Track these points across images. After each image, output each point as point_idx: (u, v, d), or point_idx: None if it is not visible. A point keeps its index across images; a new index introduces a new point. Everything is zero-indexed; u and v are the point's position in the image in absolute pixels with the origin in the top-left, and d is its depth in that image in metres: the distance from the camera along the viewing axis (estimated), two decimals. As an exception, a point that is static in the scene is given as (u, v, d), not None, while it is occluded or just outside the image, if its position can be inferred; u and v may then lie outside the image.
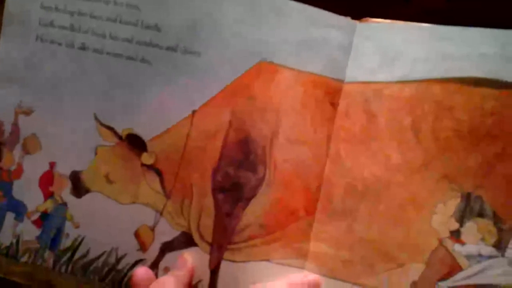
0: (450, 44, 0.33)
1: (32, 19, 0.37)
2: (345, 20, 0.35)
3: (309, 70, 0.35)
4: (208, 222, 0.35)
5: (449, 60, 0.33)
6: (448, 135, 0.33)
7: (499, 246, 0.32)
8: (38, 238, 0.38)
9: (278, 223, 0.35)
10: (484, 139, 0.32)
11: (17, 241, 0.39)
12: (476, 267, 0.32)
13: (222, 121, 0.35)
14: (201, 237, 0.35)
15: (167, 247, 0.36)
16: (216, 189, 0.35)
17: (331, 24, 0.35)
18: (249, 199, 0.35)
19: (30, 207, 0.38)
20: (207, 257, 0.35)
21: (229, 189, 0.35)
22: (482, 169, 0.32)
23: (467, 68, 0.32)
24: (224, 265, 0.35)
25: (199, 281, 0.35)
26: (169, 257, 0.36)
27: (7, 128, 0.38)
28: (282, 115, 0.35)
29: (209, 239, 0.35)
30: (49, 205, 0.38)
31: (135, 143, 0.36)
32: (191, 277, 0.35)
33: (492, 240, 0.32)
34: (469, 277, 0.32)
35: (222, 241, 0.35)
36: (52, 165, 0.38)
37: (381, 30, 0.35)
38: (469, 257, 0.32)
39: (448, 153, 0.33)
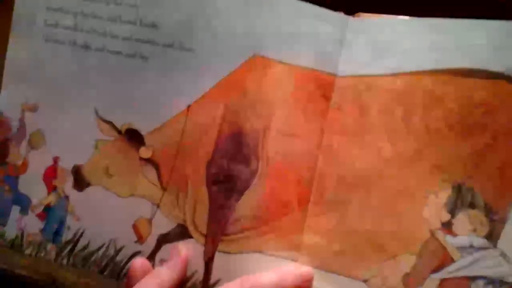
0: (439, 35, 0.33)
1: (38, 20, 0.39)
2: (338, 15, 0.36)
3: (302, 64, 0.35)
4: (202, 214, 0.36)
5: (439, 51, 0.33)
6: (438, 126, 0.33)
7: (491, 237, 0.31)
8: (42, 231, 0.40)
9: (271, 215, 0.35)
10: (474, 130, 0.32)
11: (22, 234, 0.40)
12: (468, 259, 0.31)
13: (216, 115, 0.36)
14: (196, 228, 0.36)
15: (164, 239, 0.37)
16: (210, 182, 0.36)
17: (324, 19, 0.35)
18: (242, 191, 0.35)
19: (34, 200, 0.40)
20: (201, 248, 0.36)
21: (223, 182, 0.36)
22: (473, 160, 0.32)
23: (457, 59, 0.33)
24: (218, 256, 0.36)
25: (194, 272, 0.36)
26: (165, 249, 0.37)
27: (15, 124, 0.40)
28: (274, 109, 0.35)
29: (204, 231, 0.36)
30: (52, 199, 0.39)
31: (133, 137, 0.37)
32: (185, 267, 0.35)
33: (484, 231, 0.31)
34: (461, 268, 0.32)
35: (216, 233, 0.36)
36: (55, 159, 0.39)
37: (372, 24, 0.35)
38: (461, 248, 0.32)
39: (439, 144, 0.33)
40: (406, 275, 0.32)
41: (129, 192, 0.38)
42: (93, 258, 0.38)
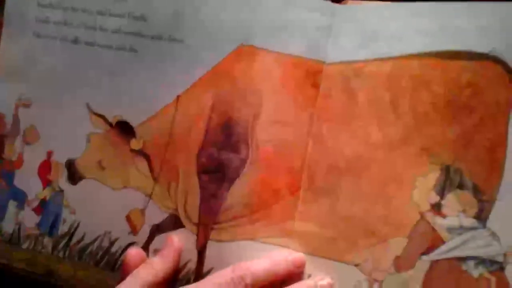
0: (425, 19, 0.33)
1: (30, 16, 0.40)
2: (325, 3, 0.36)
3: (289, 52, 0.35)
4: (194, 203, 0.36)
5: (424, 35, 0.33)
6: (426, 109, 0.33)
7: (480, 217, 0.31)
8: (38, 225, 0.40)
9: (262, 202, 0.35)
10: (462, 111, 0.32)
11: (19, 228, 0.40)
12: (458, 240, 0.31)
13: (205, 105, 0.36)
14: (188, 218, 0.36)
15: (157, 230, 0.37)
16: (201, 171, 0.36)
17: (311, 7, 0.35)
18: (233, 180, 0.35)
19: (30, 195, 0.40)
20: (194, 237, 0.36)
21: (214, 170, 0.36)
22: (460, 141, 0.32)
23: (443, 42, 0.33)
24: (210, 244, 0.36)
25: (188, 261, 0.36)
26: (158, 239, 0.37)
27: (9, 120, 0.41)
28: (263, 97, 0.35)
29: (196, 220, 0.36)
30: (47, 193, 0.40)
31: (124, 129, 0.38)
32: (178, 256, 0.36)
33: (473, 211, 0.31)
34: (451, 249, 0.32)
35: (208, 222, 0.36)
36: (49, 154, 0.40)
37: (359, 10, 0.35)
38: (450, 229, 0.32)
39: (426, 127, 0.33)
40: (397, 258, 0.33)
41: (122, 184, 0.38)
42: (88, 250, 0.39)
